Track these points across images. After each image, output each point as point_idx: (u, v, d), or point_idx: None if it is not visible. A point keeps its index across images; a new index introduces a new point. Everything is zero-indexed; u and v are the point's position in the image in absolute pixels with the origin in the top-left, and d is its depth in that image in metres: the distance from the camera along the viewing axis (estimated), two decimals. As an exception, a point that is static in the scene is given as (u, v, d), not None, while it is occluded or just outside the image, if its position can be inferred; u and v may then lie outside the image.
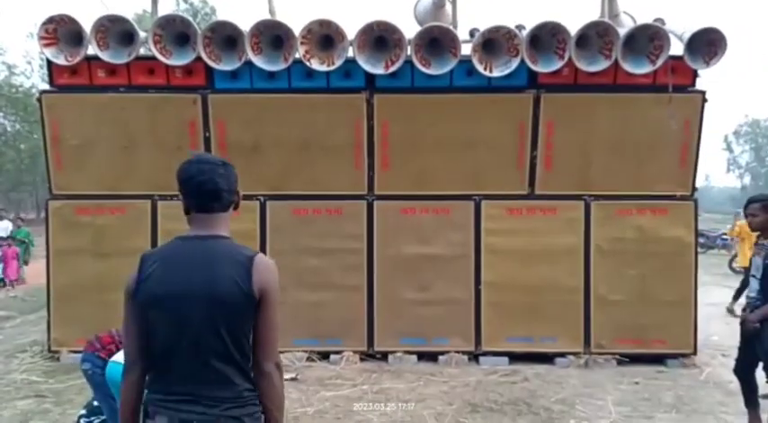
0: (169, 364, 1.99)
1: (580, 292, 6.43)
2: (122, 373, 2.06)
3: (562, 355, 6.40)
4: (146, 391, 2.04)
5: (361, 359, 6.40)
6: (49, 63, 6.32)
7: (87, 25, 5.92)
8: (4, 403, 5.21)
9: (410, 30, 6.00)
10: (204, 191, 2.05)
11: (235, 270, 1.99)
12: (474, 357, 6.45)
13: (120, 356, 3.72)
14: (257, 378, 2.04)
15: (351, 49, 5.95)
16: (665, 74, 6.14)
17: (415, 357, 6.41)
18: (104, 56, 6.02)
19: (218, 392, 1.97)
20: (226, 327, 1.97)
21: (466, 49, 5.97)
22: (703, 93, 6.32)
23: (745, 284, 9.76)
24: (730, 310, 9.03)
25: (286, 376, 5.79)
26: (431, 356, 6.41)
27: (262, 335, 2.03)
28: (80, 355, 4.10)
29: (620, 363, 6.35)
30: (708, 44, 5.91)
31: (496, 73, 5.99)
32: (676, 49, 5.96)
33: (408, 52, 5.95)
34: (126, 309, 2.04)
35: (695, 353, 6.45)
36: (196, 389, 1.97)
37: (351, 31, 5.89)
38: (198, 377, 1.97)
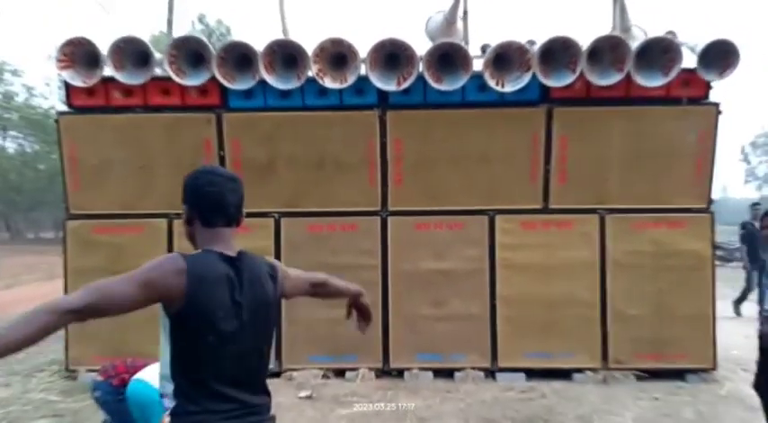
0: (217, 380, 1.99)
1: (597, 307, 6.37)
2: (70, 305, 1.85)
3: (580, 370, 6.33)
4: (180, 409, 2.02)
5: (377, 376, 6.37)
6: (67, 85, 6.43)
7: (104, 47, 6.03)
8: (23, 422, 5.24)
9: (422, 46, 6.05)
10: (211, 202, 2.06)
11: (270, 286, 2.12)
12: (490, 374, 6.39)
13: (144, 373, 3.72)
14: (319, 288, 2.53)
15: (363, 66, 6.00)
16: (678, 86, 6.13)
17: (431, 374, 6.37)
18: (121, 77, 6.11)
19: (261, 401, 2.11)
20: (267, 342, 2.15)
21: (478, 65, 6.00)
22: (717, 105, 6.29)
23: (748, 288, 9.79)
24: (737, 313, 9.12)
25: (301, 394, 5.79)
26: (447, 373, 6.37)
27: (302, 278, 2.40)
28: (94, 378, 4.09)
29: (639, 378, 6.26)
30: (721, 56, 5.89)
31: (508, 88, 6.00)
32: (689, 61, 5.96)
33: (420, 69, 5.98)
34: (135, 281, 1.92)
35: (715, 368, 6.35)
36: (247, 399, 2.04)
37: (363, 49, 5.95)
38: (246, 389, 2.05)
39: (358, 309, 2.77)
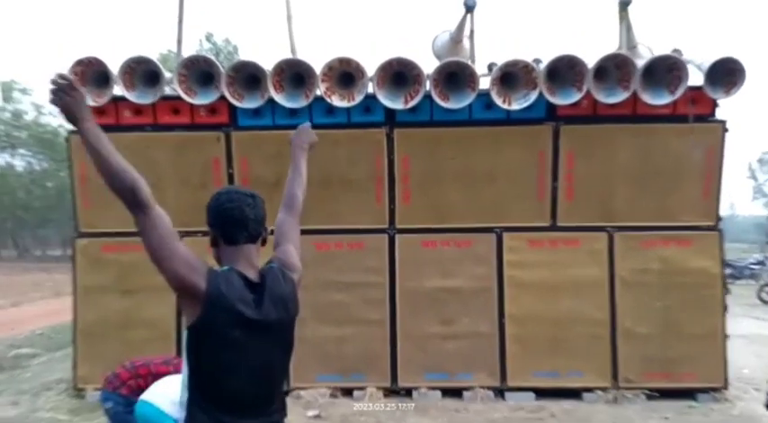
0: (230, 397, 2.02)
1: (606, 325, 6.33)
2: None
3: (589, 390, 6.28)
4: None
5: (385, 395, 6.33)
6: (78, 104, 6.47)
7: (114, 66, 6.09)
8: (30, 441, 5.23)
9: (429, 65, 6.10)
10: (231, 218, 2.10)
11: (292, 304, 2.18)
12: (499, 393, 6.34)
13: (151, 394, 3.71)
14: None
15: (371, 85, 6.05)
16: (684, 104, 6.14)
17: (439, 393, 6.33)
18: (131, 96, 6.18)
19: (276, 419, 2.16)
20: (285, 362, 2.28)
21: (484, 83, 6.04)
22: (723, 122, 6.29)
23: None
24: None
25: (309, 413, 5.76)
26: (455, 392, 6.32)
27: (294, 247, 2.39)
28: (103, 389, 4.09)
29: (649, 397, 6.20)
30: (727, 74, 5.91)
31: (515, 106, 6.03)
32: (695, 79, 5.97)
33: (427, 87, 6.02)
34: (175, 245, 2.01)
35: (726, 387, 6.29)
36: (259, 417, 2.08)
37: (370, 68, 5.99)
38: (260, 407, 2.11)
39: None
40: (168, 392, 3.61)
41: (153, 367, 4.03)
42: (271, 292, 2.07)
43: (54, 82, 1.90)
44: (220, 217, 2.12)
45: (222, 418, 1.98)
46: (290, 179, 2.57)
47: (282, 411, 2.18)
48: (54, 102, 1.92)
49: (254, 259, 2.13)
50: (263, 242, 2.21)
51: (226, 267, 2.08)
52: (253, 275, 2.09)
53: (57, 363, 8.35)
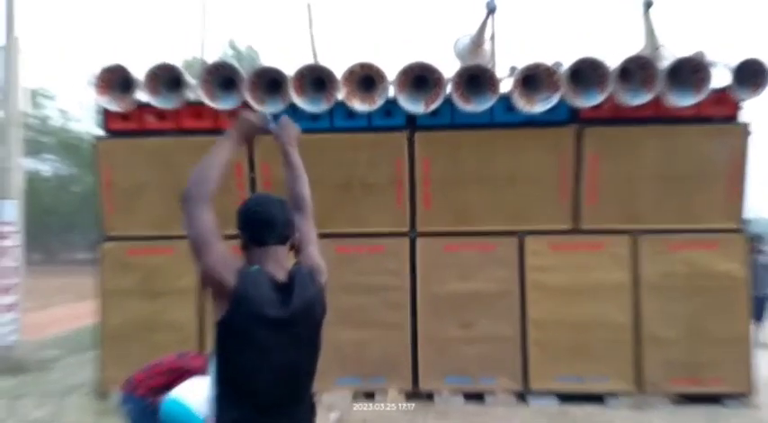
0: (255, 394, 2.08)
1: (630, 330, 6.27)
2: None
3: (613, 394, 6.21)
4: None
5: (406, 398, 6.32)
6: (104, 110, 6.59)
7: (139, 73, 6.18)
8: (57, 442, 5.30)
9: (450, 67, 6.10)
10: (259, 220, 2.18)
11: (319, 306, 2.26)
12: (522, 397, 6.31)
13: (180, 390, 3.72)
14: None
15: (391, 88, 6.06)
16: (709, 106, 6.07)
17: (461, 397, 6.31)
18: (155, 102, 6.26)
19: (302, 418, 2.23)
20: (313, 361, 2.32)
21: (505, 86, 6.02)
22: (748, 124, 6.21)
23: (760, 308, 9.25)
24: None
25: (332, 416, 5.77)
26: (477, 396, 6.30)
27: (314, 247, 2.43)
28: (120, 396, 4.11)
29: (674, 403, 6.12)
30: (752, 75, 5.84)
31: (537, 108, 6.00)
32: (720, 80, 5.90)
33: (448, 90, 6.02)
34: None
35: (752, 392, 6.19)
36: (285, 415, 2.13)
37: (391, 72, 6.01)
38: (287, 406, 2.16)
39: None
40: (197, 390, 3.62)
41: (166, 364, 4.05)
42: (298, 293, 2.11)
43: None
44: (249, 219, 2.20)
45: (248, 414, 2.03)
46: (289, 179, 2.60)
47: (312, 412, 2.23)
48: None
49: (282, 260, 2.18)
50: (292, 247, 2.26)
51: (256, 267, 2.11)
52: (282, 276, 2.13)
53: (82, 365, 8.44)
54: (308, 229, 2.45)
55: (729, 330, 6.18)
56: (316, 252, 2.38)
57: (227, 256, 2.04)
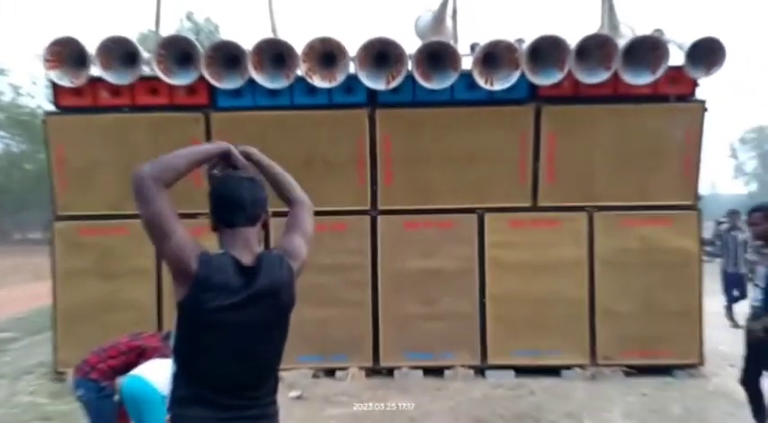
0: (210, 380, 2.07)
1: (585, 304, 6.41)
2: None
3: (568, 367, 6.36)
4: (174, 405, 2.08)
5: (367, 375, 6.37)
6: (54, 85, 6.38)
7: (92, 47, 5.99)
8: (11, 425, 5.21)
9: (411, 45, 6.06)
10: (227, 202, 2.13)
11: (286, 292, 2.19)
12: (480, 371, 6.41)
13: (141, 369, 3.68)
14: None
15: (352, 65, 6.00)
16: (665, 84, 6.17)
17: (421, 372, 6.38)
18: (108, 77, 6.08)
19: (260, 410, 2.17)
20: (276, 347, 2.27)
21: (467, 63, 6.02)
22: (704, 102, 6.34)
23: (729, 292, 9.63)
24: (733, 323, 8.94)
25: (292, 394, 5.78)
26: (437, 371, 6.38)
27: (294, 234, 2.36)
28: (74, 381, 4.04)
29: (627, 374, 6.30)
30: (708, 53, 5.94)
31: (497, 86, 6.02)
32: (676, 59, 5.99)
33: (409, 67, 5.99)
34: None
35: (703, 363, 6.41)
36: (241, 402, 2.10)
37: (352, 48, 5.94)
38: (244, 393, 2.13)
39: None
40: (158, 369, 3.60)
41: (122, 346, 4.00)
42: (263, 276, 2.08)
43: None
44: (218, 202, 2.15)
45: (204, 394, 2.03)
46: (274, 179, 2.44)
47: (273, 395, 2.20)
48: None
49: (252, 242, 2.14)
50: (264, 225, 2.21)
51: (221, 251, 2.10)
52: (248, 259, 2.09)
53: (37, 346, 8.29)
54: (301, 218, 2.40)
55: (682, 304, 6.37)
56: (297, 240, 2.32)
57: (187, 241, 2.00)
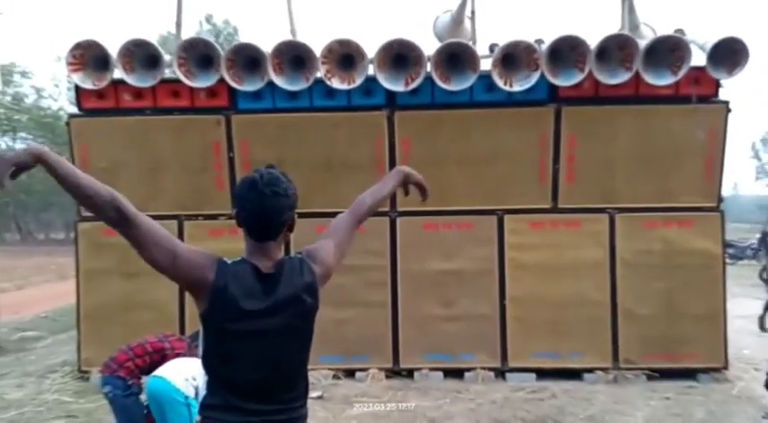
0: (237, 385, 2.06)
1: (607, 307, 6.35)
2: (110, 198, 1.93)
3: (590, 370, 6.31)
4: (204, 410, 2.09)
5: (387, 376, 6.38)
6: (77, 87, 6.47)
7: (113, 49, 6.06)
8: (36, 423, 5.29)
9: (430, 46, 6.05)
10: (255, 220, 2.09)
11: (309, 298, 2.15)
12: (500, 374, 6.38)
13: (164, 369, 3.75)
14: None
15: (371, 67, 6.01)
16: (687, 85, 6.10)
17: (441, 374, 6.38)
18: (130, 79, 6.15)
19: (288, 413, 2.14)
20: (299, 353, 2.23)
21: (485, 64, 6.00)
22: (727, 103, 6.26)
23: None
24: (763, 328, 8.73)
25: (312, 394, 5.80)
26: (457, 373, 6.36)
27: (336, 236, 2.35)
28: (101, 378, 4.10)
29: (649, 378, 6.24)
30: (730, 54, 5.86)
31: (516, 87, 5.99)
32: (698, 59, 5.93)
33: (428, 69, 5.98)
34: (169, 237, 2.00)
35: (726, 367, 6.32)
36: (267, 408, 2.07)
37: (371, 50, 5.95)
38: (272, 398, 2.11)
39: (414, 185, 2.73)
40: (181, 370, 3.65)
41: (149, 345, 4.06)
42: (285, 282, 2.06)
43: None
44: (246, 215, 2.06)
45: (232, 401, 2.02)
46: (370, 190, 2.52)
47: (303, 399, 2.18)
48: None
49: (273, 251, 2.09)
50: (290, 228, 2.14)
51: (238, 259, 2.07)
52: (268, 266, 2.05)
53: (61, 345, 8.41)
54: (343, 226, 2.38)
55: (705, 307, 6.29)
56: (328, 246, 2.28)
57: (195, 257, 1.98)
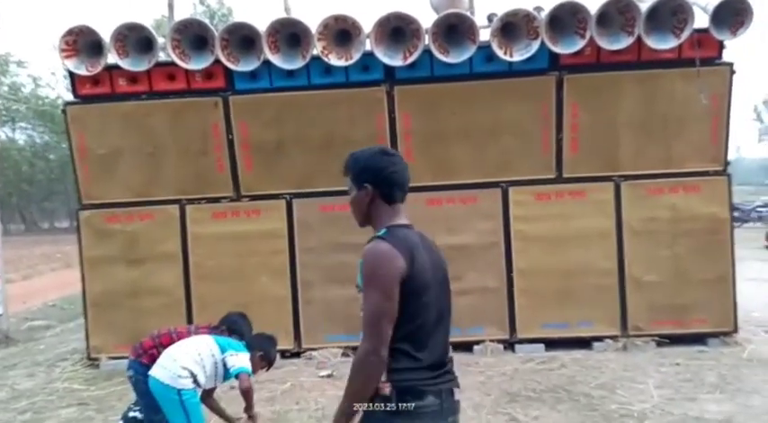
0: (427, 343, 2.15)
1: (614, 275, 6.33)
2: (371, 353, 2.13)
3: (599, 339, 6.31)
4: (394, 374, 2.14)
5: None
6: (72, 74, 6.40)
7: (107, 34, 5.97)
8: (48, 412, 5.31)
9: (427, 19, 5.95)
10: (397, 182, 2.25)
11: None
12: (509, 345, 6.39)
13: (154, 369, 3.76)
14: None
15: (368, 42, 5.91)
16: (690, 47, 5.99)
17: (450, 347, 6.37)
18: (125, 64, 6.06)
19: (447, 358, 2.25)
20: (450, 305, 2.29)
21: (484, 35, 5.90)
22: (731, 64, 6.16)
23: None
24: None
25: (322, 373, 5.83)
26: (466, 346, 6.36)
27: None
28: (121, 362, 4.15)
29: (659, 344, 6.23)
30: (733, 14, 5.75)
31: (517, 57, 5.90)
32: (701, 21, 5.81)
33: (426, 42, 5.89)
34: (389, 293, 2.09)
35: (736, 330, 6.31)
36: (444, 360, 2.22)
37: (367, 24, 5.85)
38: (444, 350, 2.23)
39: None
40: (166, 365, 3.71)
41: (175, 335, 4.07)
42: (426, 239, 2.24)
43: None
44: (386, 180, 2.23)
45: (417, 356, 2.13)
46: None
47: (452, 362, 2.30)
48: None
49: (405, 214, 2.27)
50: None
51: (402, 231, 2.17)
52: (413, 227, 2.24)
53: (70, 334, 8.46)
54: None
55: (713, 271, 6.27)
56: None
57: (393, 281, 2.07)
